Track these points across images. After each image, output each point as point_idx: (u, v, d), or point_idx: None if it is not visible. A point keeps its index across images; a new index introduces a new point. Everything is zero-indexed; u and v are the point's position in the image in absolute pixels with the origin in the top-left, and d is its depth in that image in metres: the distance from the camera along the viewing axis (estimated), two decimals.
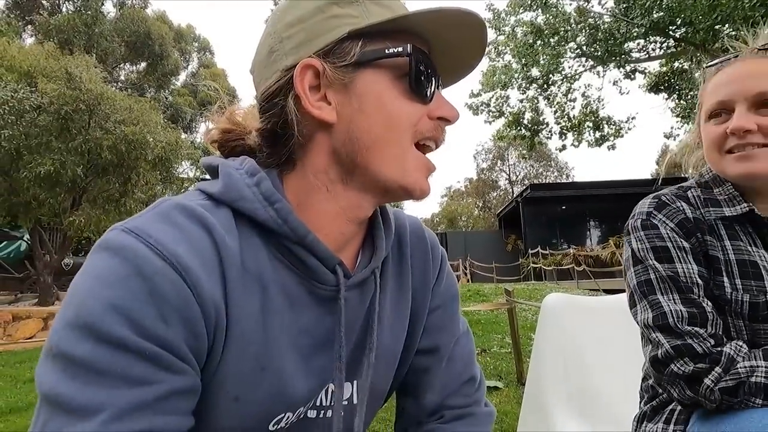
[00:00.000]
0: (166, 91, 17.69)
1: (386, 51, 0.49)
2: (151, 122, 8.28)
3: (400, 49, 0.49)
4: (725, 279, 0.77)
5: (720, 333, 0.74)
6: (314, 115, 0.50)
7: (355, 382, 0.59)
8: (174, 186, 9.75)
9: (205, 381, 0.47)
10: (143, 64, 17.09)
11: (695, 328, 0.73)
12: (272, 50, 0.52)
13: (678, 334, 0.73)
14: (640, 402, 0.91)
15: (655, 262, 0.78)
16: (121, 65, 17.13)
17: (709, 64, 0.88)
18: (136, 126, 7.86)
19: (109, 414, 0.38)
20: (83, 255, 12.29)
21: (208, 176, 0.56)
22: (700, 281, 0.77)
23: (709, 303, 0.76)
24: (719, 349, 0.71)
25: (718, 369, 0.70)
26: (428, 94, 0.52)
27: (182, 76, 18.97)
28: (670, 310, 0.75)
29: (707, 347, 0.71)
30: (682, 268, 0.77)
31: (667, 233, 0.79)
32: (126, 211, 8.18)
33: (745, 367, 0.69)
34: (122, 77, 17.53)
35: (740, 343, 0.73)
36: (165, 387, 0.41)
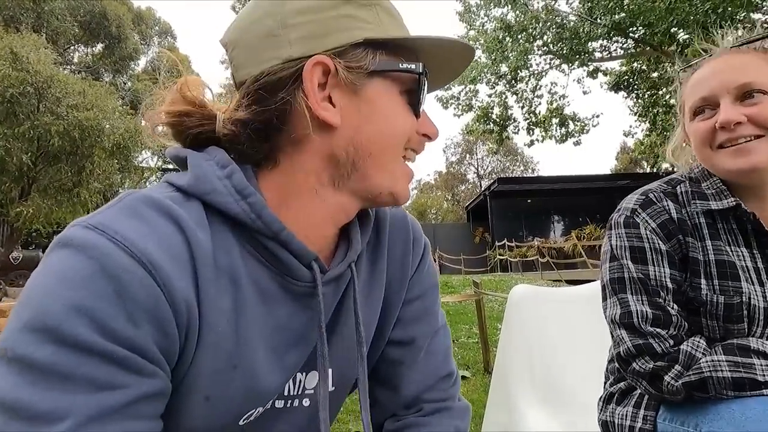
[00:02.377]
0: (125, 76, 16.79)
1: (400, 65, 0.51)
2: (108, 108, 7.85)
3: (413, 66, 0.51)
4: (702, 281, 0.78)
5: (682, 335, 0.77)
6: (319, 116, 0.47)
7: (329, 371, 0.58)
8: (134, 176, 9.31)
9: (175, 382, 0.45)
10: (99, 46, 16.14)
11: (657, 329, 0.76)
12: (273, 33, 0.48)
13: (640, 334, 0.77)
14: (606, 383, 0.94)
15: (630, 262, 0.80)
16: (75, 46, 16.09)
17: (684, 67, 0.89)
18: (91, 111, 7.43)
19: (74, 421, 0.36)
20: (33, 248, 11.57)
21: (171, 166, 0.53)
22: (670, 285, 0.78)
23: (675, 307, 0.78)
24: (677, 347, 0.75)
25: (677, 366, 0.73)
26: (421, 110, 0.54)
27: (142, 61, 18.05)
28: (636, 310, 0.78)
29: (666, 347, 0.75)
30: (654, 271, 0.79)
31: (647, 234, 0.80)
32: (80, 202, 7.74)
33: (707, 362, 0.72)
34: (75, 59, 16.48)
35: (697, 339, 0.76)
36: (134, 391, 0.39)
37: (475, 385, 3.04)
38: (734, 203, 0.78)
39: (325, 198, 0.51)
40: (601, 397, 0.93)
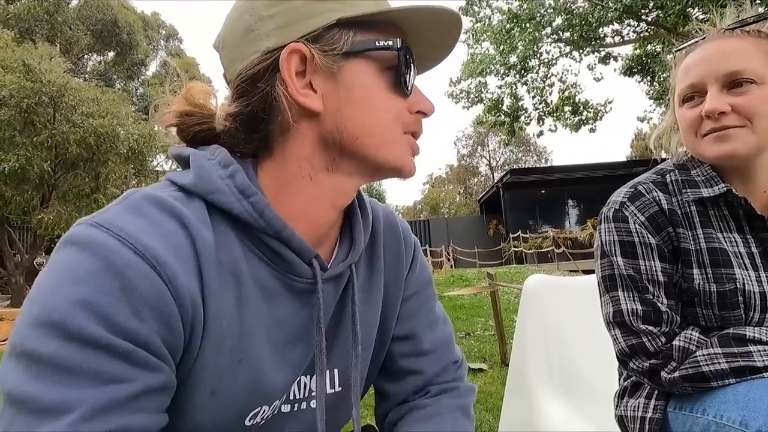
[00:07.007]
0: (137, 82, 17.08)
1: (377, 43, 0.49)
2: (121, 114, 8.00)
3: (391, 43, 0.49)
4: (695, 270, 0.77)
5: (674, 330, 0.76)
6: (300, 103, 0.48)
7: (335, 371, 0.58)
8: (149, 180, 9.49)
9: (180, 377, 0.45)
10: (111, 54, 16.44)
11: (648, 327, 0.76)
12: (250, 28, 0.49)
13: (633, 332, 0.77)
14: (620, 378, 0.93)
15: (620, 258, 0.80)
16: (88, 55, 16.42)
17: (678, 48, 0.87)
18: (105, 118, 7.58)
19: (80, 413, 0.37)
20: None
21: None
22: (661, 279, 0.78)
23: (665, 301, 0.78)
24: (670, 344, 0.75)
25: (673, 363, 0.74)
26: (409, 88, 0.52)
27: (153, 66, 18.35)
28: (627, 308, 0.78)
29: (658, 345, 0.75)
30: (645, 265, 0.78)
31: (636, 228, 0.79)
32: (98, 207, 7.90)
33: (704, 356, 0.71)
34: (89, 68, 16.83)
35: (689, 332, 0.75)
36: (138, 385, 0.40)
37: (493, 377, 3.03)
38: (725, 189, 0.77)
39: (321, 183, 0.51)
40: (615, 392, 0.92)
